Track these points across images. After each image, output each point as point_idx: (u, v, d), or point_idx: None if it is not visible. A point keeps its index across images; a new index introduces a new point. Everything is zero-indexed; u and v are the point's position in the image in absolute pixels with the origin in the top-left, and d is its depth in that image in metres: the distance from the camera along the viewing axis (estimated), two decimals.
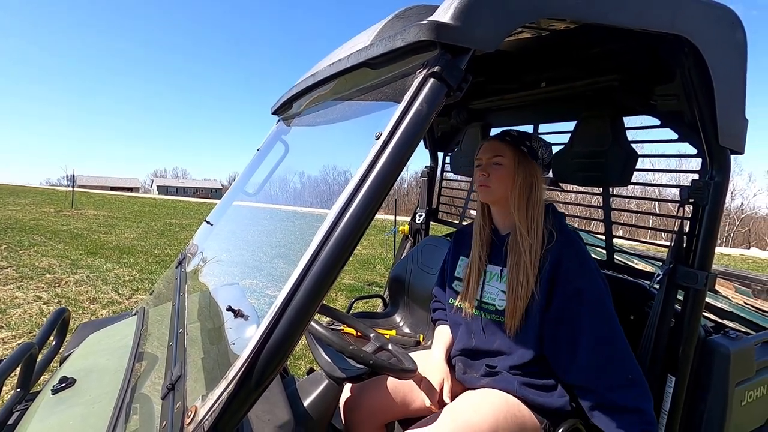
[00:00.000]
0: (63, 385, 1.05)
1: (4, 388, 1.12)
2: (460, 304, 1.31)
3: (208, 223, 1.75)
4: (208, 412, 0.56)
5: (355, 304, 2.21)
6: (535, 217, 1.16)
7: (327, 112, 1.49)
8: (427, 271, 2.02)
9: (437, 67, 0.66)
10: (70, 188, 18.81)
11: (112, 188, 67.60)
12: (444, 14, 0.67)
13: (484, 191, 1.23)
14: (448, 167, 2.30)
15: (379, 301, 2.36)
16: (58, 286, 5.36)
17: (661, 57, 1.08)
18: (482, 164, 1.23)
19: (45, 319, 4.06)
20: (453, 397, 1.20)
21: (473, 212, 2.34)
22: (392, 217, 10.04)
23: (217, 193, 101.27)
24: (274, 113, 1.75)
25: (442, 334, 1.42)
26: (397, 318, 2.11)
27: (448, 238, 2.18)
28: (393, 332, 1.90)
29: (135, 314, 1.54)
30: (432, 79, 0.67)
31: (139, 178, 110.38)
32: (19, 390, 1.26)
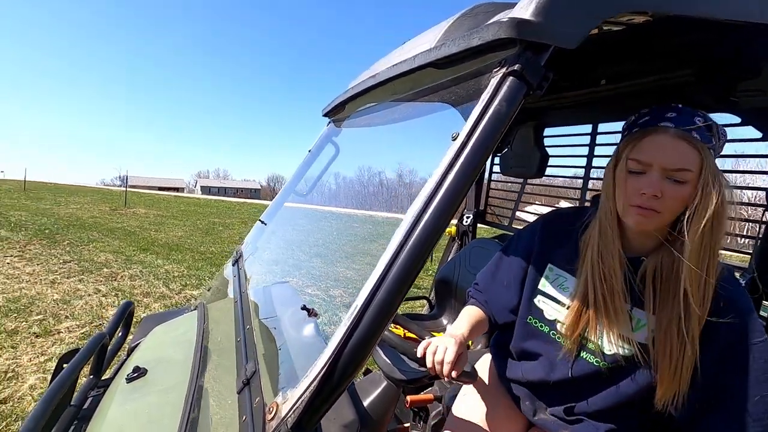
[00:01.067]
0: (136, 374, 1.10)
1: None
2: (557, 336, 1.01)
3: (262, 222, 1.81)
4: (290, 409, 0.57)
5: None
6: (714, 250, 0.82)
7: (383, 113, 1.50)
8: (475, 273, 1.99)
9: (517, 65, 0.65)
10: (123, 188, 19.97)
11: (160, 188, 71.23)
12: (525, 10, 0.65)
13: (646, 218, 0.84)
14: (496, 168, 2.25)
15: (425, 303, 2.34)
16: (115, 280, 5.70)
17: (746, 50, 1.01)
18: (652, 176, 0.82)
19: (104, 310, 4.34)
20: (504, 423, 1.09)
21: (521, 214, 2.28)
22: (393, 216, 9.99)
23: (256, 193, 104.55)
24: (325, 115, 1.78)
25: (473, 317, 1.11)
26: (444, 320, 2.08)
27: (497, 240, 2.14)
28: (440, 335, 1.88)
29: (194, 309, 1.60)
30: (511, 78, 0.65)
31: (184, 179, 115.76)
32: (91, 377, 1.35)
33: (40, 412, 0.95)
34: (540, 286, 1.05)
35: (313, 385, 0.56)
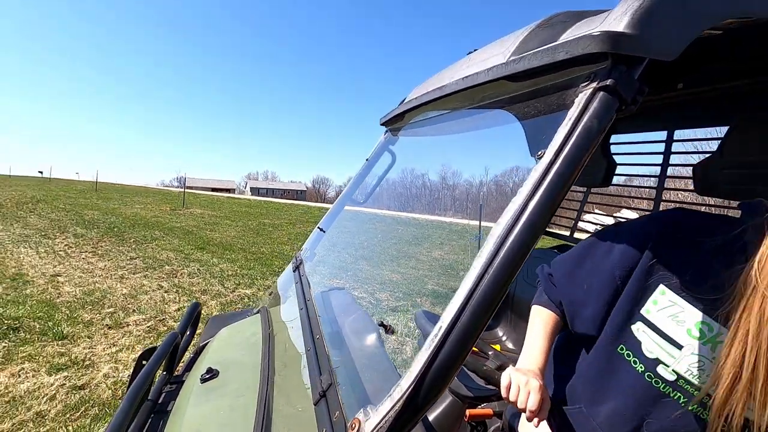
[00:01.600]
0: (209, 375, 1.16)
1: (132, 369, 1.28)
2: (658, 382, 0.80)
3: (320, 230, 1.85)
4: (375, 428, 0.57)
5: None
6: None
7: (444, 124, 1.49)
8: (533, 285, 1.92)
9: (609, 80, 0.62)
10: (181, 189, 21.22)
11: (213, 189, 75.03)
12: (618, 22, 0.62)
13: None
14: None
15: None
16: (175, 276, 6.06)
17: None
18: None
19: (167, 306, 4.62)
20: None
21: (583, 225, 2.18)
22: (473, 222, 9.81)
23: (301, 194, 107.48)
24: (383, 124, 1.80)
25: (548, 332, 0.95)
26: (500, 332, 2.03)
27: (556, 250, 2.06)
28: (497, 347, 1.83)
29: (257, 312, 1.66)
30: (602, 93, 0.62)
31: (235, 180, 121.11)
32: (164, 373, 1.43)
33: (128, 405, 1.03)
34: (643, 311, 0.82)
35: (397, 406, 0.56)
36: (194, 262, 7.02)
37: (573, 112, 0.64)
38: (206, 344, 1.58)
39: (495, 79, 0.86)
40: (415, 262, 8.24)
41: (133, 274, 6.07)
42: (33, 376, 2.96)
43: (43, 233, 8.85)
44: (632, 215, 2.49)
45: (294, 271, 1.66)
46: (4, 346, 3.38)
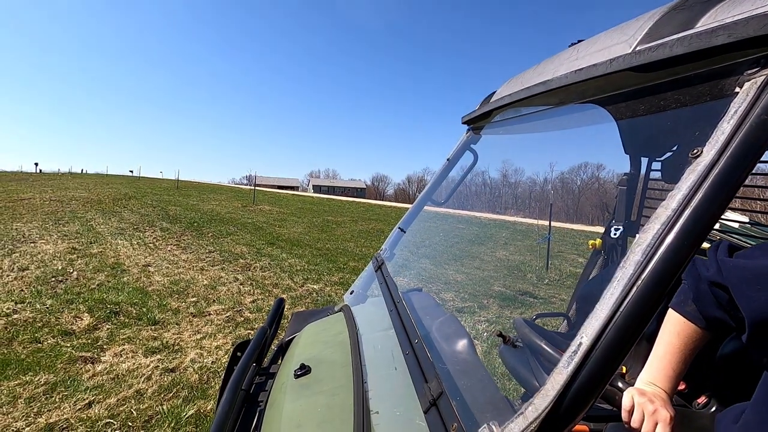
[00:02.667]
0: (302, 372, 1.18)
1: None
2: None
3: (400, 230, 1.84)
4: None
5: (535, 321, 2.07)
6: None
7: (535, 122, 1.41)
8: None
9: None
10: (250, 186, 22.50)
11: (279, 187, 78.70)
12: None
13: None
14: (654, 174, 1.98)
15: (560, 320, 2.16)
16: (249, 270, 6.42)
17: None
18: None
19: (242, 297, 4.88)
20: None
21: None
22: (540, 223, 9.36)
23: (361, 192, 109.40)
24: (466, 123, 1.74)
25: (687, 346, 0.80)
26: None
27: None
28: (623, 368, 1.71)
29: (339, 311, 1.69)
30: None
31: (298, 178, 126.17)
32: (254, 365, 1.50)
33: (232, 394, 1.08)
34: None
35: (533, 426, 0.52)
36: (265, 257, 7.40)
37: (739, 104, 0.55)
38: (292, 339, 1.62)
39: (619, 70, 0.78)
40: (479, 263, 8.04)
41: (212, 266, 6.52)
42: (132, 357, 3.27)
43: (135, 227, 9.80)
44: (743, 219, 2.22)
45: (376, 271, 1.67)
46: (108, 328, 3.78)
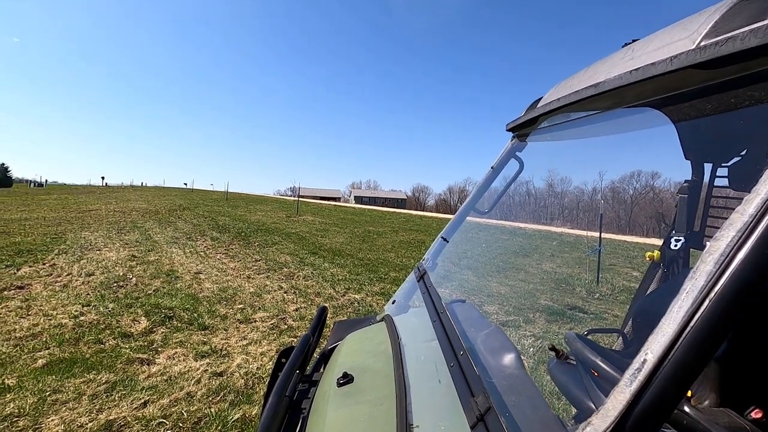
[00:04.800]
0: (345, 380, 1.18)
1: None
2: None
3: (443, 239, 1.81)
4: None
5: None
6: None
7: (585, 127, 1.35)
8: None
9: None
10: (294, 198, 23.16)
11: (321, 198, 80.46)
12: None
13: None
14: (719, 181, 1.83)
15: (613, 337, 2.03)
16: (292, 278, 6.57)
17: None
18: None
19: (286, 305, 4.99)
20: None
21: None
22: (589, 234, 8.91)
23: (402, 202, 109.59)
24: (510, 130, 1.70)
25: None
26: None
27: None
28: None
29: (381, 320, 1.68)
30: None
31: (340, 189, 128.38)
32: (297, 372, 1.51)
33: (277, 400, 1.10)
34: None
35: None
36: (308, 266, 7.55)
37: None
38: (334, 348, 1.63)
39: (683, 67, 0.73)
40: (524, 275, 7.76)
41: (258, 274, 6.73)
42: (183, 360, 3.42)
43: (188, 236, 10.35)
44: None
45: (418, 281, 1.65)
46: (163, 332, 3.98)
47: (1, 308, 4.39)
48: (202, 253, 8.19)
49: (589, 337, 1.80)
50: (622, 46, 1.13)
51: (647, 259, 1.96)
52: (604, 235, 8.02)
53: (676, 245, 1.86)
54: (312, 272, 7.04)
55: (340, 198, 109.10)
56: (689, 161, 1.89)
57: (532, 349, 3.84)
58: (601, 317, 5.08)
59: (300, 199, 27.00)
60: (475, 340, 1.15)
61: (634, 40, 1.10)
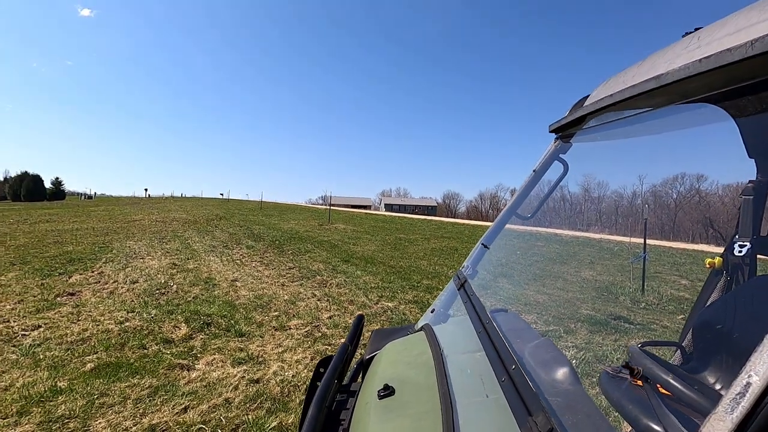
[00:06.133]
0: (386, 392, 1.14)
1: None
2: None
3: (484, 246, 1.75)
4: None
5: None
6: None
7: (636, 125, 1.26)
8: (761, 322, 1.49)
9: None
10: (325, 206, 23.45)
11: (352, 206, 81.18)
12: None
13: None
14: None
15: (671, 351, 1.89)
16: (325, 286, 6.60)
17: None
18: None
19: (320, 313, 5.00)
20: None
21: None
22: (632, 240, 8.49)
23: (432, 210, 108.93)
24: (554, 131, 1.62)
25: None
26: (710, 378, 1.62)
27: None
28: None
29: (420, 330, 1.63)
30: None
31: (371, 197, 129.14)
32: (335, 381, 1.48)
33: (317, 410, 1.07)
34: None
35: None
36: (341, 274, 7.57)
37: None
38: (373, 357, 1.59)
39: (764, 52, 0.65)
40: (563, 283, 7.47)
41: (292, 282, 6.81)
42: (221, 366, 3.48)
43: (224, 244, 10.65)
44: None
45: (459, 289, 1.59)
46: (202, 338, 4.08)
47: (55, 314, 4.64)
48: (238, 261, 8.39)
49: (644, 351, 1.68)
50: (683, 36, 1.05)
51: (707, 266, 1.81)
52: (648, 241, 7.62)
53: (740, 251, 1.71)
54: (344, 280, 7.05)
55: (370, 206, 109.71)
56: (753, 159, 1.74)
57: (575, 361, 3.65)
58: (650, 328, 4.79)
59: (331, 207, 27.33)
60: (524, 353, 1.09)
61: (697, 29, 1.02)
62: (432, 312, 1.71)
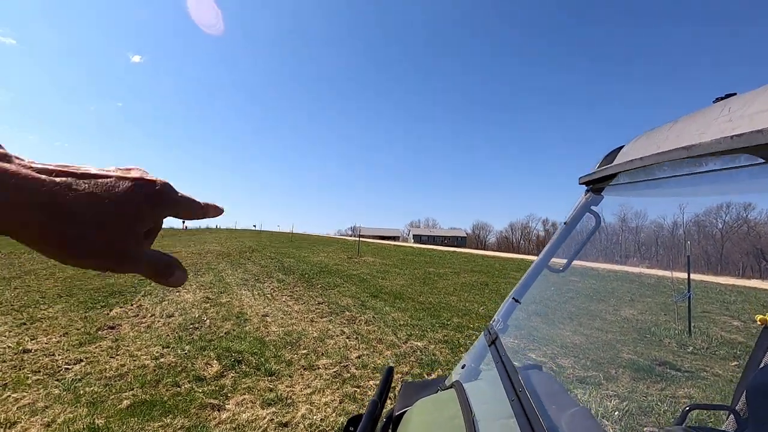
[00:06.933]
0: None
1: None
2: None
3: (515, 300, 1.72)
4: None
5: (688, 414, 1.71)
6: None
7: (673, 188, 1.25)
8: None
9: None
10: (354, 237, 23.60)
11: (381, 237, 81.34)
12: None
13: None
14: None
15: (722, 414, 1.76)
16: (354, 323, 6.57)
17: None
18: None
19: (348, 352, 4.96)
20: None
21: None
22: (675, 275, 8.04)
23: (462, 240, 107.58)
24: (584, 183, 1.62)
25: None
26: None
27: None
28: None
29: (450, 386, 1.60)
30: None
31: (399, 228, 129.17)
32: None
33: None
34: None
35: None
36: (369, 310, 7.53)
37: None
38: (402, 414, 1.57)
39: None
40: (601, 322, 7.13)
41: (321, 317, 6.83)
42: (251, 408, 3.48)
43: (256, 277, 10.86)
44: None
45: (490, 346, 1.56)
46: (232, 377, 4.12)
47: (96, 348, 4.83)
48: (268, 295, 8.52)
49: (693, 413, 1.59)
50: (714, 101, 1.05)
51: (758, 322, 1.70)
52: (693, 276, 7.20)
53: None
54: (373, 316, 7.00)
55: (399, 237, 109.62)
56: None
57: (617, 413, 3.43)
58: (699, 377, 4.46)
59: (360, 238, 27.53)
60: (559, 422, 1.05)
61: (728, 95, 1.02)
62: (463, 368, 1.68)
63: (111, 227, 0.29)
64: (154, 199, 0.31)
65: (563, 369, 4.46)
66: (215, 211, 0.39)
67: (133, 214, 0.30)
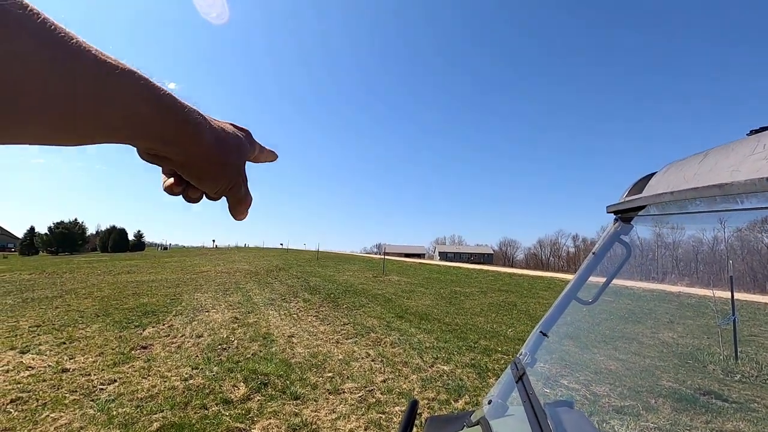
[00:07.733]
0: None
1: None
2: None
3: (543, 334, 1.67)
4: None
5: None
6: None
7: (710, 223, 1.19)
8: None
9: None
10: (380, 256, 23.55)
11: (406, 255, 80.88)
12: None
13: None
14: None
15: None
16: (379, 345, 6.50)
17: None
18: None
19: (374, 375, 4.90)
20: None
21: None
22: (717, 295, 7.60)
23: (488, 257, 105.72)
24: (612, 212, 1.57)
25: None
26: None
27: None
28: None
29: (477, 424, 1.55)
30: None
31: (424, 245, 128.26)
32: None
33: None
34: None
35: None
36: (394, 331, 7.45)
37: None
38: None
39: None
40: (637, 346, 6.78)
41: (346, 339, 6.80)
42: None
43: (282, 297, 10.97)
44: None
45: (517, 382, 1.51)
46: (258, 400, 4.13)
47: (129, 368, 4.96)
48: (294, 316, 8.57)
49: None
50: (747, 134, 1.01)
51: None
52: (737, 295, 6.79)
53: None
54: (398, 338, 6.92)
55: (424, 254, 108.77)
56: None
57: None
58: (750, 408, 4.15)
59: (386, 257, 27.49)
60: None
61: (762, 128, 0.98)
62: (489, 403, 1.63)
63: (241, 152, 0.45)
64: (251, 138, 0.49)
65: (598, 397, 4.25)
66: (272, 155, 0.56)
67: (247, 147, 0.47)
